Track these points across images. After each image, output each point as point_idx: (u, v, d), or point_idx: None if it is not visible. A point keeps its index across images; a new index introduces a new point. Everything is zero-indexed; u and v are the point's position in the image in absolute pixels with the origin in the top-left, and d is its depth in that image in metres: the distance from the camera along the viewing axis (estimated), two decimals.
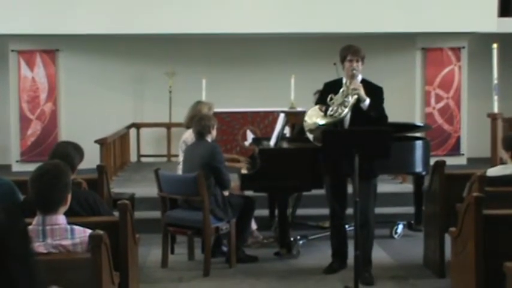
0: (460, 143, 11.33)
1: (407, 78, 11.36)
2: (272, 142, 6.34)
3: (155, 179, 6.01)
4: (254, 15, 10.33)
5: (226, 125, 9.42)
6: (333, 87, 5.54)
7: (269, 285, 5.48)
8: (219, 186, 5.89)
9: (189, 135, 6.52)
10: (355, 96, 5.31)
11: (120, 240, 3.92)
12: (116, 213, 4.10)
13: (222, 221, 5.86)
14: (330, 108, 5.40)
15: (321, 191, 5.93)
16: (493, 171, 5.21)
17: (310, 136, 5.48)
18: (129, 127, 11.11)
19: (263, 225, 6.83)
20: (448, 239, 5.09)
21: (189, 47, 11.47)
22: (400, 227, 7.05)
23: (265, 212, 6.99)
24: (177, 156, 7.76)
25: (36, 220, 3.30)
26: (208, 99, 8.70)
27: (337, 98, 5.40)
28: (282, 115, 6.57)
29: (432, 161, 5.92)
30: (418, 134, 7.33)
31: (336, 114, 5.37)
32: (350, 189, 5.43)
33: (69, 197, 3.39)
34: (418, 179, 6.45)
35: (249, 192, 6.37)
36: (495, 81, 8.07)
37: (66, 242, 3.30)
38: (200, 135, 6.05)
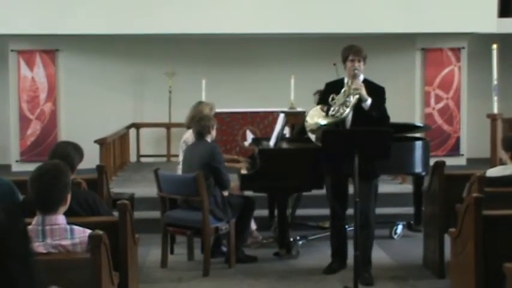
0: (459, 143, 11.33)
1: (407, 78, 11.35)
2: (272, 142, 6.33)
3: (155, 179, 6.01)
4: (254, 15, 10.33)
5: (226, 125, 9.41)
6: (334, 87, 5.53)
7: (268, 286, 5.47)
8: (218, 187, 5.88)
9: (189, 135, 6.52)
10: (357, 96, 5.30)
11: (120, 240, 3.92)
12: (116, 213, 4.11)
13: (222, 221, 5.86)
14: (332, 108, 5.39)
15: (321, 191, 5.93)
16: (492, 172, 5.21)
17: (312, 136, 5.45)
18: (128, 127, 11.12)
19: (263, 225, 6.83)
20: (447, 239, 5.09)
21: (189, 47, 11.47)
22: (400, 228, 7.04)
23: (264, 212, 6.99)
24: (176, 156, 7.76)
25: (36, 220, 3.29)
26: (208, 99, 8.70)
27: (339, 98, 5.39)
28: (281, 115, 6.57)
29: (432, 161, 5.91)
30: (417, 135, 7.32)
31: (338, 114, 5.36)
32: (351, 189, 5.42)
33: (69, 197, 3.39)
34: (417, 180, 6.45)
35: (248, 193, 6.36)
36: (495, 82, 8.05)
37: (66, 242, 3.29)
38: (200, 135, 6.05)
